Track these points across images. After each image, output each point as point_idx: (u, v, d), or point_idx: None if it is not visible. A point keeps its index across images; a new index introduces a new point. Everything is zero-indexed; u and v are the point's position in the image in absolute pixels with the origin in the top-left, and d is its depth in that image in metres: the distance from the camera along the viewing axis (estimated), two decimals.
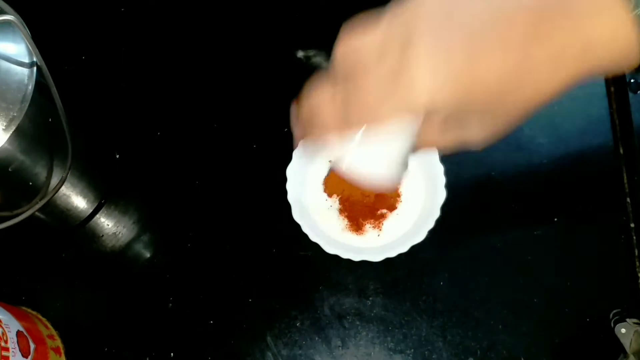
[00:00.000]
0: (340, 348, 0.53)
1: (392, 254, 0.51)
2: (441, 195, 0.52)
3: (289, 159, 0.54)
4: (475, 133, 0.30)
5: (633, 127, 0.56)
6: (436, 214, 0.52)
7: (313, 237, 0.52)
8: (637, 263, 0.55)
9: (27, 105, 0.42)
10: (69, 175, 0.49)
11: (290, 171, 0.53)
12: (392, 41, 0.27)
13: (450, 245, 0.56)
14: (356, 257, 0.51)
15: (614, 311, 0.52)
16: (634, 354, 0.48)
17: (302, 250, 0.56)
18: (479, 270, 0.55)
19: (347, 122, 0.29)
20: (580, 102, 0.60)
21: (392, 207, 0.55)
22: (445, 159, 0.54)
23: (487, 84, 0.26)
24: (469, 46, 0.26)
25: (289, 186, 0.53)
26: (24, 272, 0.56)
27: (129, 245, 0.57)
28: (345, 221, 0.55)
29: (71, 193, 0.54)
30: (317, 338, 0.53)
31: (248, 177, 0.58)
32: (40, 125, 0.45)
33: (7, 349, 0.43)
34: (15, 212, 0.48)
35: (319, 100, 0.31)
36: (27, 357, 0.46)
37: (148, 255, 0.57)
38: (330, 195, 0.55)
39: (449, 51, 0.26)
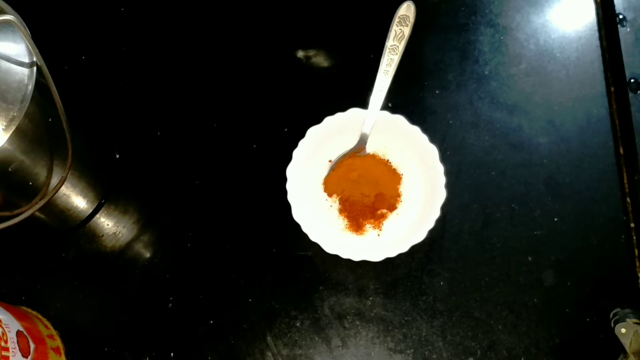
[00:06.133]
0: (340, 348, 0.53)
1: (392, 254, 0.51)
2: (441, 195, 0.52)
3: (289, 159, 0.54)
4: None
5: (633, 127, 0.56)
6: (436, 214, 0.52)
7: (313, 237, 0.52)
8: (637, 263, 0.55)
9: (27, 105, 0.42)
10: (69, 175, 0.49)
11: (290, 171, 0.53)
12: None
13: (450, 245, 0.56)
14: (356, 257, 0.51)
15: (614, 311, 0.52)
16: (634, 354, 0.48)
17: (302, 250, 0.56)
18: (479, 270, 0.55)
19: None
20: (580, 102, 0.60)
21: (392, 207, 0.55)
22: (445, 159, 0.54)
23: None
24: None
25: (289, 186, 0.53)
26: (24, 272, 0.56)
27: (129, 245, 0.57)
28: (345, 221, 0.55)
29: (71, 193, 0.54)
30: (317, 338, 0.53)
31: (248, 177, 0.59)
32: (40, 125, 0.45)
33: (7, 349, 0.43)
34: (15, 212, 0.48)
35: None
36: (27, 357, 0.46)
37: (148, 255, 0.57)
38: (330, 195, 0.55)
39: None
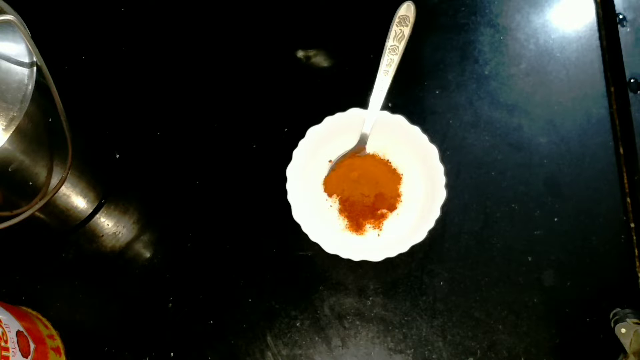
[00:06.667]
0: (340, 348, 0.53)
1: (392, 253, 0.51)
2: (441, 195, 0.52)
3: (289, 159, 0.54)
4: None
5: (633, 127, 0.56)
6: (436, 214, 0.52)
7: (313, 237, 0.52)
8: (637, 263, 0.55)
9: (27, 105, 0.42)
10: (69, 175, 0.49)
11: (290, 171, 0.53)
12: None
13: (450, 245, 0.56)
14: (356, 257, 0.51)
15: (614, 311, 0.52)
16: (634, 354, 0.48)
17: (302, 250, 0.56)
18: (479, 270, 0.55)
19: None
20: (580, 102, 0.60)
21: (392, 207, 0.55)
22: (445, 159, 0.54)
23: None
24: None
25: (289, 186, 0.53)
26: (24, 272, 0.56)
27: (129, 245, 0.57)
28: (345, 221, 0.55)
29: (71, 193, 0.54)
30: (317, 338, 0.53)
31: (248, 177, 0.59)
32: (40, 125, 0.45)
33: (7, 349, 0.43)
34: (15, 212, 0.48)
35: None
36: (27, 357, 0.46)
37: (148, 255, 0.57)
38: (330, 195, 0.55)
39: None
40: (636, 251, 0.55)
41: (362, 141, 0.56)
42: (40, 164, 0.47)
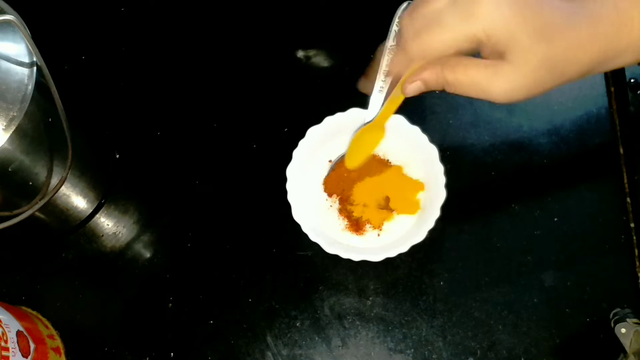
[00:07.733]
0: (340, 348, 0.53)
1: (392, 254, 0.51)
2: (441, 195, 0.52)
3: (289, 159, 0.54)
4: (506, 79, 0.36)
5: (633, 127, 0.56)
6: (436, 214, 0.52)
7: (313, 237, 0.52)
8: (637, 263, 0.55)
9: (27, 105, 0.42)
10: (69, 175, 0.49)
11: (290, 171, 0.53)
12: None
13: (451, 245, 0.56)
14: (356, 257, 0.51)
15: (614, 311, 0.52)
16: (634, 354, 0.48)
17: (302, 250, 0.56)
18: (479, 270, 0.55)
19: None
20: (580, 102, 0.60)
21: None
22: (445, 159, 0.54)
23: (545, 19, 0.34)
24: None
25: (289, 186, 0.53)
26: (24, 272, 0.56)
27: (129, 245, 0.57)
28: (345, 221, 0.55)
29: (71, 193, 0.54)
30: (317, 338, 0.53)
31: (248, 177, 0.59)
32: (40, 125, 0.45)
33: (7, 349, 0.43)
34: (15, 212, 0.48)
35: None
36: (27, 357, 0.46)
37: (148, 255, 0.57)
38: (330, 195, 0.55)
39: None
40: (636, 251, 0.55)
41: None
42: (40, 164, 0.47)
